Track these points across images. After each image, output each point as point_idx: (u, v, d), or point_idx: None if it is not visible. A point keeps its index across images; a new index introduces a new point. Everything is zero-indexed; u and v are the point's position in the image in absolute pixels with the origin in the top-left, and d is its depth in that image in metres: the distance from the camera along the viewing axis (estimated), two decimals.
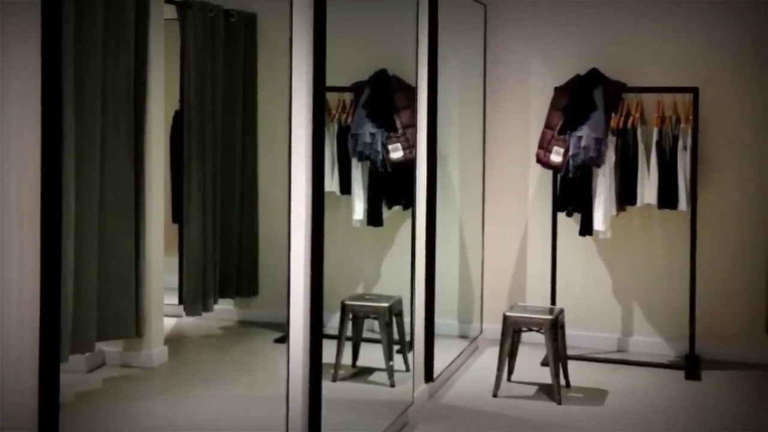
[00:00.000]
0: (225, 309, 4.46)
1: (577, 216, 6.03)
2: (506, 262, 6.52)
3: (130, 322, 3.70)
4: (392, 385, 4.82)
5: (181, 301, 4.21)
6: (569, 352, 5.66)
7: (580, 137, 5.72)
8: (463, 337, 6.14)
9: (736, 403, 5.28)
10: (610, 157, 5.80)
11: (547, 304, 6.03)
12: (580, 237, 6.03)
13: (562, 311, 5.43)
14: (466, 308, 6.28)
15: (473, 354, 6.14)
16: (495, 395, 5.24)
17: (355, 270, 4.99)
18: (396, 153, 4.89)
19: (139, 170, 3.77)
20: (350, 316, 4.71)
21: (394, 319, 4.90)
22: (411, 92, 4.98)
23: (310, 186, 3.68)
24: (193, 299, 4.22)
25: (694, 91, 5.76)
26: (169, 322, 4.08)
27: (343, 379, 4.65)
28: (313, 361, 3.73)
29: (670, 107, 5.84)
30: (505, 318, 5.31)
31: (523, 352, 5.59)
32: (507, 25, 6.45)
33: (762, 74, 5.90)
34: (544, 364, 5.66)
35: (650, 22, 6.16)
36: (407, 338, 5.00)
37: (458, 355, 5.82)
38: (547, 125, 5.95)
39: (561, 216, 6.11)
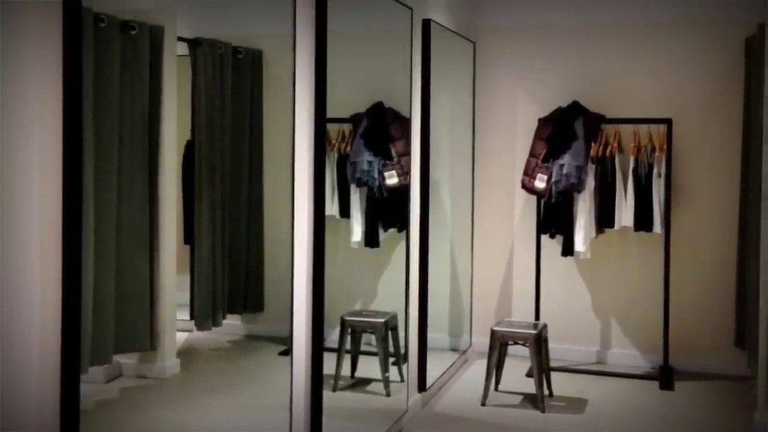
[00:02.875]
0: (233, 324, 4.46)
1: (559, 238, 6.05)
2: (494, 281, 6.53)
3: (145, 336, 3.70)
4: (388, 395, 4.82)
5: (192, 317, 4.20)
6: (552, 363, 5.67)
7: (562, 165, 5.75)
8: (453, 350, 6.13)
9: (707, 411, 5.27)
10: (590, 183, 5.83)
11: (532, 319, 6.04)
12: (562, 257, 6.05)
13: (545, 326, 5.44)
14: (457, 323, 6.27)
15: (463, 365, 6.14)
16: (483, 404, 5.24)
17: (354, 288, 5.00)
18: (391, 179, 4.90)
19: (153, 195, 3.78)
20: (349, 330, 4.71)
21: (389, 333, 4.90)
22: (405, 123, 5.00)
23: (312, 210, 3.70)
24: (204, 315, 4.22)
25: (668, 122, 5.79)
26: (181, 336, 4.08)
27: (343, 389, 4.64)
28: (314, 372, 3.73)
29: (646, 137, 5.87)
30: (493, 332, 5.31)
31: (509, 364, 5.60)
32: (495, 61, 6.49)
33: (730, 107, 5.94)
34: (529, 375, 5.66)
35: (627, 59, 6.21)
36: (402, 351, 5.00)
37: (449, 367, 5.82)
38: (532, 154, 5.97)
39: (544, 238, 6.13)
